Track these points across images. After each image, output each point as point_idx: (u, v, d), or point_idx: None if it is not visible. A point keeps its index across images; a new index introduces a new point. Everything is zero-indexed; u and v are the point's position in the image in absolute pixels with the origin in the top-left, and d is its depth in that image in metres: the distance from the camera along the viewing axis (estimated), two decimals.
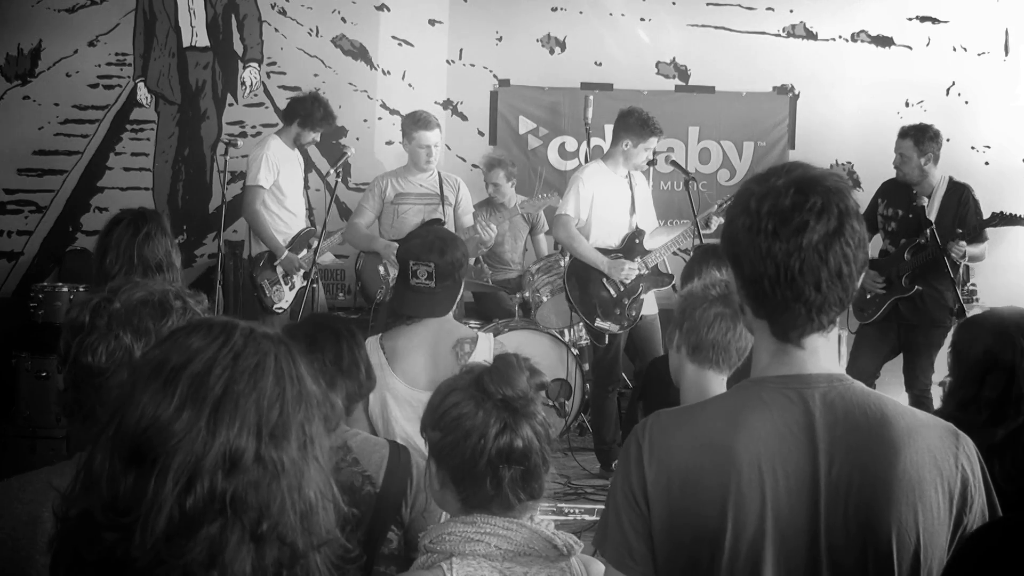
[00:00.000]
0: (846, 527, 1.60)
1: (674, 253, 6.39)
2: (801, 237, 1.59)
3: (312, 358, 1.51)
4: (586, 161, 7.19)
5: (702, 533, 1.61)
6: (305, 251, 6.40)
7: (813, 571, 1.61)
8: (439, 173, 6.15)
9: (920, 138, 5.99)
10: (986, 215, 6.07)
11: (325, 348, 2.61)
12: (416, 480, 2.57)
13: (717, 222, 5.89)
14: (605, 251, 5.99)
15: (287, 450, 1.24)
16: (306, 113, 6.40)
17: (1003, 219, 5.91)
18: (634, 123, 5.90)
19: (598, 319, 6.02)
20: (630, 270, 5.94)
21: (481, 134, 7.95)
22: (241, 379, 1.24)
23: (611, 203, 6.00)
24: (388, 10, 7.90)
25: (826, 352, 1.68)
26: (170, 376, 1.23)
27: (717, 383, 2.66)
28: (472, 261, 6.55)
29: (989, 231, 6.02)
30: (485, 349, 3.27)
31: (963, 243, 5.78)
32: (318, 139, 6.66)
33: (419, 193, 6.07)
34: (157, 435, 1.20)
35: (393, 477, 2.54)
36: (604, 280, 5.98)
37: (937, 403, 6.07)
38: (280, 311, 6.33)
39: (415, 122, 6.02)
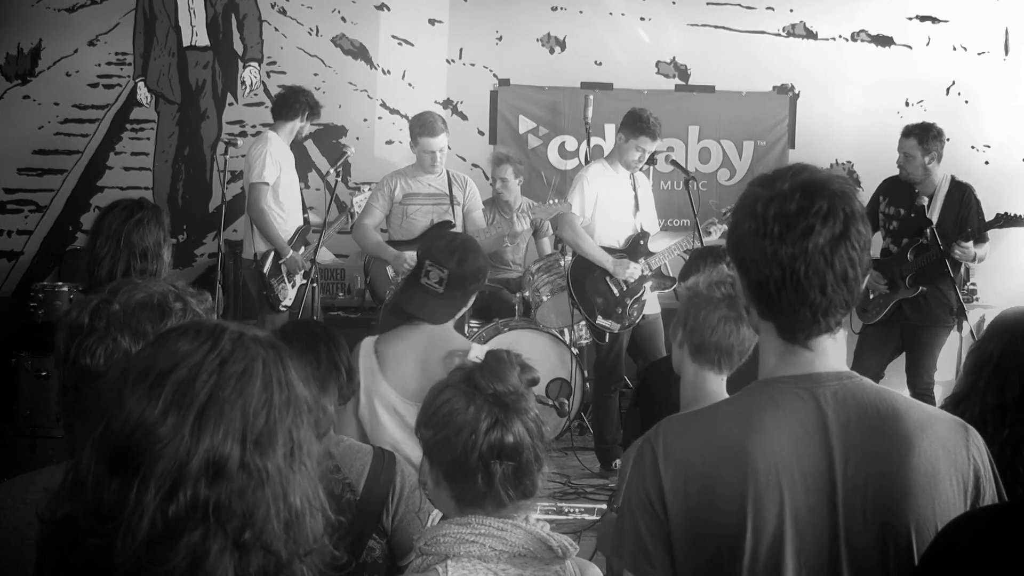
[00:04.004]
0: (865, 523, 1.61)
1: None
2: (807, 241, 1.60)
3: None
4: (586, 161, 7.20)
5: (722, 536, 1.61)
6: (303, 249, 6.41)
7: (834, 570, 1.61)
8: (448, 172, 6.10)
9: (924, 137, 5.98)
10: (987, 215, 6.07)
11: (301, 353, 2.55)
12: (399, 489, 2.53)
13: (720, 230, 5.90)
14: (610, 251, 6.00)
15: (272, 457, 1.23)
16: (313, 103, 6.46)
17: (1007, 220, 5.89)
18: (631, 119, 5.93)
19: (599, 317, 6.04)
20: (635, 270, 5.95)
21: (481, 134, 7.95)
22: (227, 385, 1.23)
23: (615, 203, 6.02)
24: (388, 10, 7.90)
25: (834, 352, 1.70)
26: (156, 381, 1.22)
27: (715, 383, 2.66)
28: None
29: (989, 232, 6.02)
30: None
31: (968, 244, 5.77)
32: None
33: (428, 193, 6.02)
34: (142, 440, 1.19)
35: (374, 485, 2.50)
36: (607, 279, 6.01)
37: (939, 401, 6.11)
38: (284, 309, 6.34)
39: (421, 126, 5.93)
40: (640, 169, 6.13)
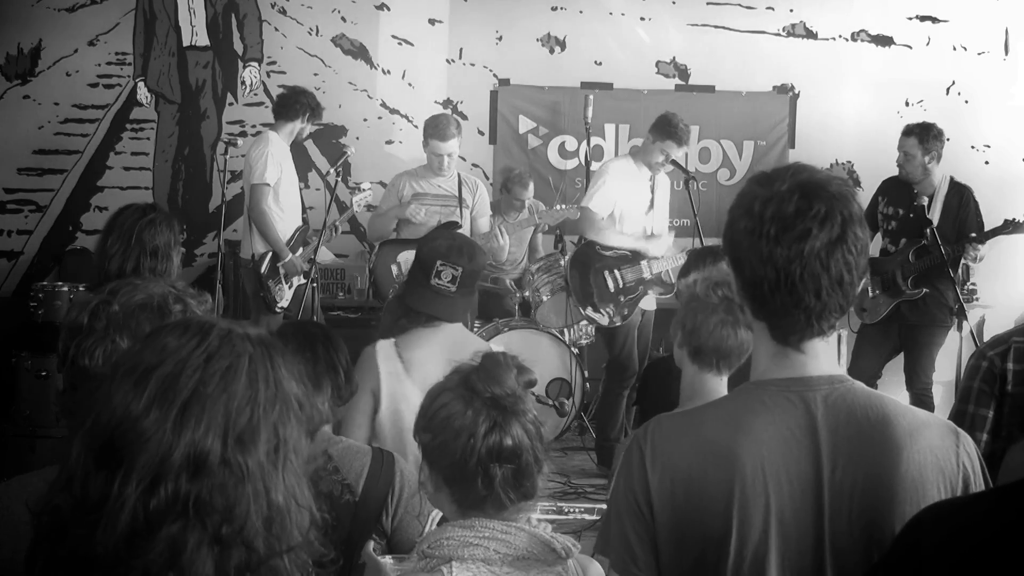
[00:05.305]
0: (851, 529, 1.60)
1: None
2: (803, 244, 1.58)
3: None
4: (586, 161, 7.21)
5: (707, 537, 1.61)
6: (302, 250, 6.41)
7: (818, 574, 1.61)
8: (459, 174, 6.09)
9: (925, 136, 5.98)
10: (987, 215, 6.06)
11: (297, 353, 2.54)
12: (399, 489, 2.53)
13: None
14: (618, 249, 6.01)
15: (254, 454, 1.24)
16: (314, 105, 6.45)
17: (1016, 227, 5.86)
18: (661, 122, 6.00)
19: (590, 308, 6.05)
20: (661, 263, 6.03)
21: (481, 133, 7.94)
22: (211, 381, 1.23)
23: (632, 201, 6.05)
24: (388, 9, 7.90)
25: (826, 355, 1.68)
26: (141, 376, 1.23)
27: (714, 384, 2.67)
28: None
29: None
30: None
31: (979, 245, 5.77)
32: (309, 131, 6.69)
33: (436, 194, 6.02)
34: (126, 433, 1.20)
35: (373, 486, 2.50)
36: (606, 273, 6.02)
37: (938, 401, 6.11)
38: (280, 311, 6.34)
39: (433, 129, 5.91)
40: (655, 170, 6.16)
